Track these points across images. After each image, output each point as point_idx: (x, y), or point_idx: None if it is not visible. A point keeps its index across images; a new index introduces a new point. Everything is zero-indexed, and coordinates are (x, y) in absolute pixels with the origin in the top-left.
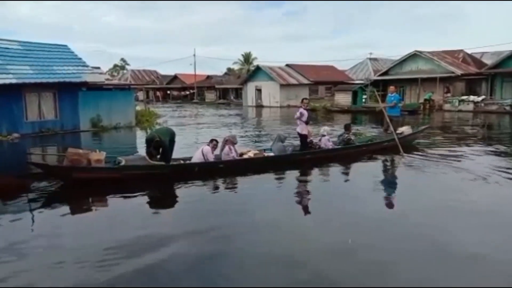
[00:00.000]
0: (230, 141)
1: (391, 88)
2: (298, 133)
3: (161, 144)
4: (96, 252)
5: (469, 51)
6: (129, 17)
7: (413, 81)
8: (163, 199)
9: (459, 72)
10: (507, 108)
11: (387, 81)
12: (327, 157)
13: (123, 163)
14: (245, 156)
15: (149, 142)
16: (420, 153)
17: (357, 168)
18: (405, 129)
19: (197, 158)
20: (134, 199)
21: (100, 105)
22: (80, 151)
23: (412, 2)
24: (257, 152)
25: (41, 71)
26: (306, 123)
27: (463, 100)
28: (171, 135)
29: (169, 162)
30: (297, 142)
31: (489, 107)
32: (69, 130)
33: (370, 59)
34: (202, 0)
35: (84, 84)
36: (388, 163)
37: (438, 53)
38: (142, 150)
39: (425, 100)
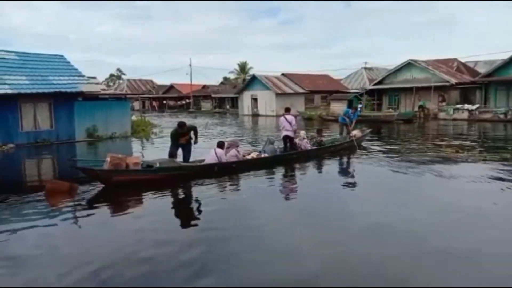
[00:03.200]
0: (234, 145)
1: (352, 110)
2: (288, 137)
3: (195, 130)
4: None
5: (463, 60)
6: (124, 26)
7: (408, 90)
8: (191, 202)
9: (453, 81)
10: (501, 116)
11: (382, 90)
12: (307, 156)
13: (157, 165)
14: (248, 157)
15: (183, 126)
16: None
17: (330, 162)
18: (356, 132)
19: (211, 159)
20: (166, 200)
21: (96, 115)
22: (120, 155)
23: (407, 11)
24: (258, 153)
25: (37, 81)
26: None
27: (457, 109)
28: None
29: (188, 161)
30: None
31: (484, 115)
32: (64, 140)
33: (365, 68)
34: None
35: (80, 94)
36: (346, 158)
37: (433, 62)
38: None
39: (420, 106)
